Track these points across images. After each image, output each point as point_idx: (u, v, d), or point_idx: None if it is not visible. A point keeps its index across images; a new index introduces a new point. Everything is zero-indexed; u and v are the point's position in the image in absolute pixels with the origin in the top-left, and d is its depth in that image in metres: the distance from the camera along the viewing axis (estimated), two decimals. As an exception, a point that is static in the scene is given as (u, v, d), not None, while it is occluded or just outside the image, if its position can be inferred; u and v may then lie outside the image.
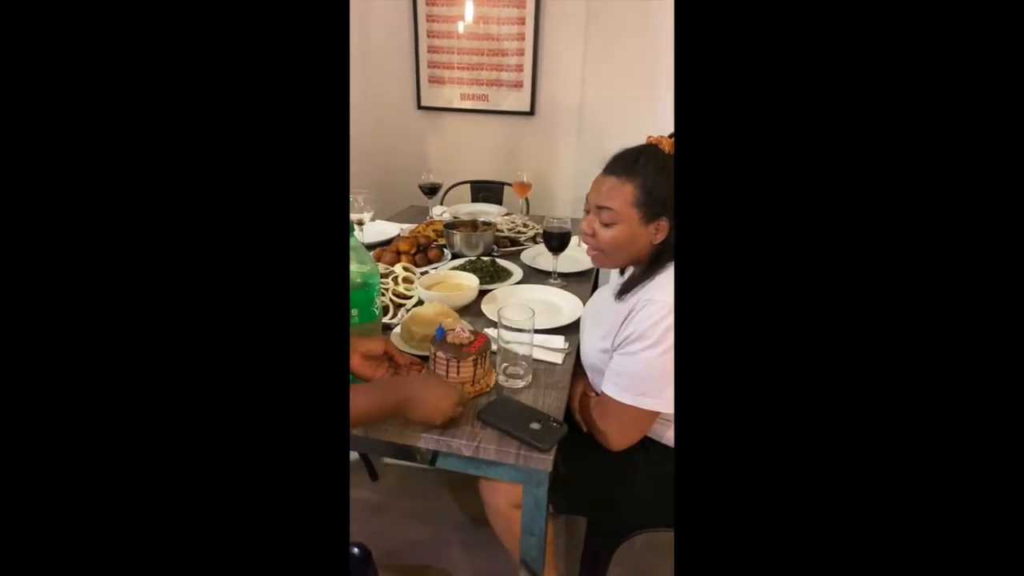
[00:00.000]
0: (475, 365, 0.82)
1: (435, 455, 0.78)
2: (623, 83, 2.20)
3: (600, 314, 0.96)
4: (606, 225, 0.87)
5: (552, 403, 0.83)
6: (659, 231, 0.85)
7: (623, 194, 0.84)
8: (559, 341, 1.00)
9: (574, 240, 1.58)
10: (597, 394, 0.93)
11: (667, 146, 0.86)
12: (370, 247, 1.43)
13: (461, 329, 0.84)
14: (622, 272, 0.98)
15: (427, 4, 2.26)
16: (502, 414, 0.77)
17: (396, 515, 1.43)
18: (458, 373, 0.81)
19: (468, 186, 2.20)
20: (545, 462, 0.72)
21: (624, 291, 0.89)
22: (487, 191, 2.14)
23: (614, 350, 0.86)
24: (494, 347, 0.89)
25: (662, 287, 0.82)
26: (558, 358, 0.95)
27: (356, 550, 0.82)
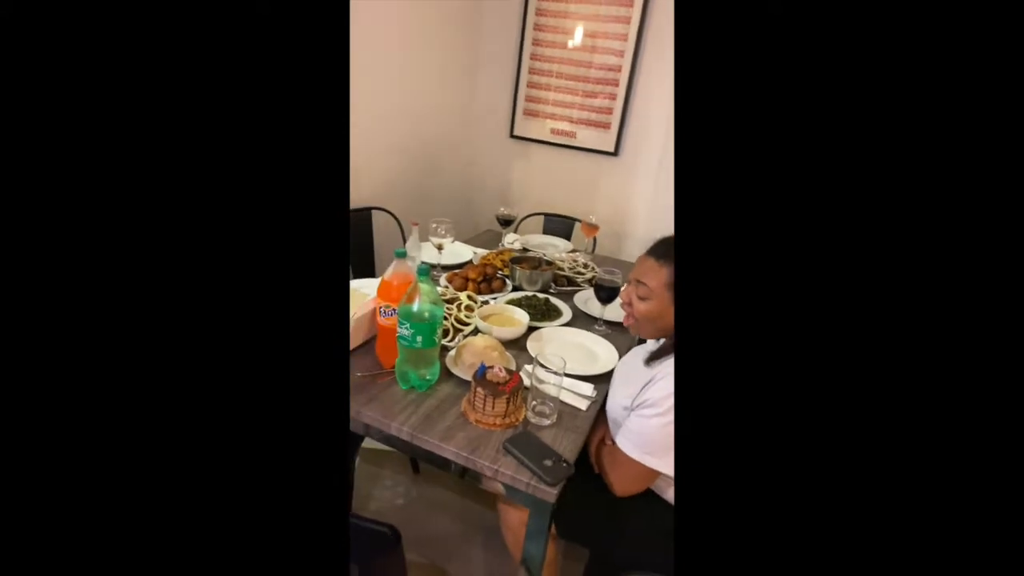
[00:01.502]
0: (508, 402, 0.97)
1: (464, 470, 0.94)
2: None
3: (629, 374, 1.07)
4: (641, 299, 1.00)
5: (568, 445, 0.96)
6: None
7: (659, 276, 0.97)
8: (588, 388, 1.12)
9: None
10: (613, 443, 1.05)
11: None
12: (447, 268, 1.63)
13: (499, 369, 0.99)
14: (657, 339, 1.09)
15: (533, 43, 2.44)
16: (522, 447, 0.92)
17: (428, 507, 1.62)
18: (492, 408, 0.97)
19: (542, 217, 2.35)
20: (550, 495, 0.86)
21: (653, 358, 1.00)
22: (559, 224, 2.28)
23: (632, 409, 0.98)
24: (527, 383, 1.04)
25: None
26: (583, 404, 1.08)
27: (387, 530, 1.00)
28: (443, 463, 0.95)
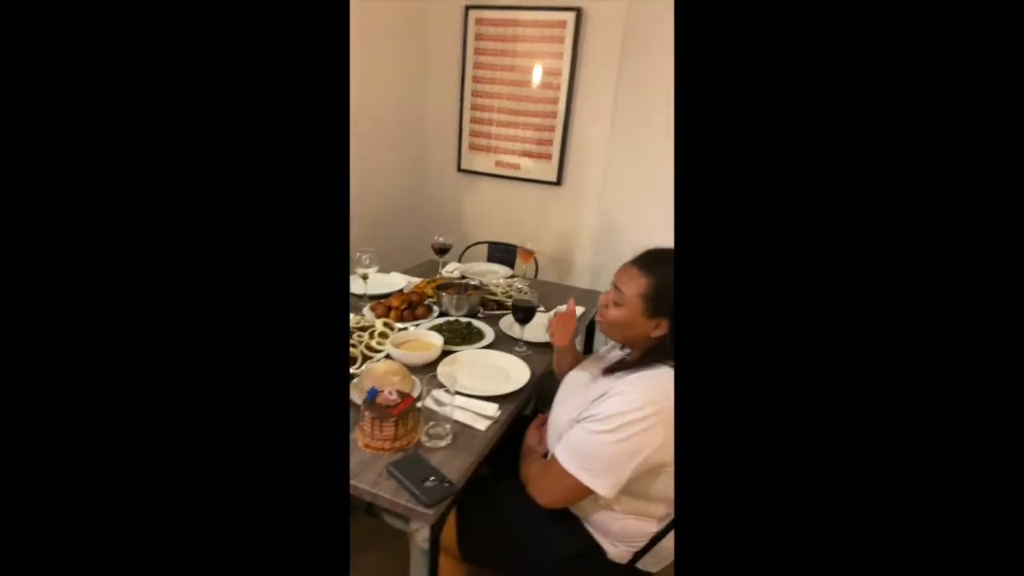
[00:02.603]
0: (396, 425, 0.96)
1: (369, 506, 0.90)
2: (643, 163, 2.31)
3: (584, 385, 1.05)
4: (616, 304, 0.99)
5: (460, 466, 0.94)
6: (659, 328, 0.95)
7: (637, 284, 0.96)
8: (492, 409, 1.11)
9: (561, 307, 1.69)
10: (545, 454, 1.02)
11: None
12: (373, 298, 1.63)
13: (390, 392, 0.98)
14: (622, 348, 1.09)
15: (473, 81, 2.53)
16: (405, 469, 0.90)
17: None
18: (381, 431, 0.95)
19: (486, 246, 2.37)
20: (427, 516, 0.83)
21: (612, 370, 0.99)
22: (503, 252, 2.30)
23: (577, 420, 0.94)
24: (419, 405, 1.02)
25: (642, 386, 0.89)
26: (483, 425, 1.06)
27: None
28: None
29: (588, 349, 1.95)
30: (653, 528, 0.95)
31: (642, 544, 0.96)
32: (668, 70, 2.14)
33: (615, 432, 0.86)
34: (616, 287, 0.99)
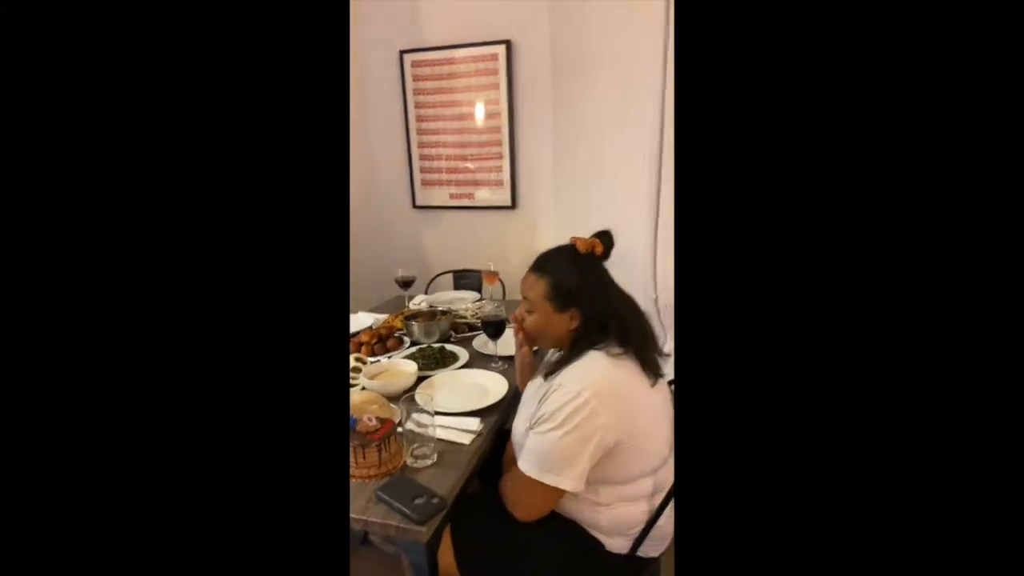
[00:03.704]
0: (379, 451, 0.95)
1: (365, 535, 0.89)
2: (591, 175, 2.41)
3: (531, 397, 1.07)
4: (529, 313, 1.04)
5: (447, 482, 0.94)
6: (573, 319, 0.99)
7: (538, 288, 1.01)
8: (474, 423, 1.11)
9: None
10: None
11: (581, 245, 1.02)
12: (342, 339, 1.62)
13: (369, 418, 0.97)
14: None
15: (417, 120, 2.61)
16: (394, 491, 0.89)
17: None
18: (364, 459, 0.94)
19: (451, 275, 2.40)
20: (419, 534, 0.83)
21: (549, 372, 1.01)
22: (468, 279, 2.34)
23: (530, 428, 0.96)
24: (402, 429, 1.02)
25: (575, 374, 0.93)
26: (466, 439, 1.06)
27: None
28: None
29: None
30: (644, 508, 0.96)
31: (638, 531, 0.97)
32: (599, 86, 2.27)
33: (562, 426, 0.88)
34: (524, 297, 1.04)
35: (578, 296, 0.98)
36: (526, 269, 1.05)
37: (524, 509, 0.95)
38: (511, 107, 2.43)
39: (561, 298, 0.99)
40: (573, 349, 1.00)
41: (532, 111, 2.42)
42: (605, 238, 1.04)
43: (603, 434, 0.88)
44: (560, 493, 0.92)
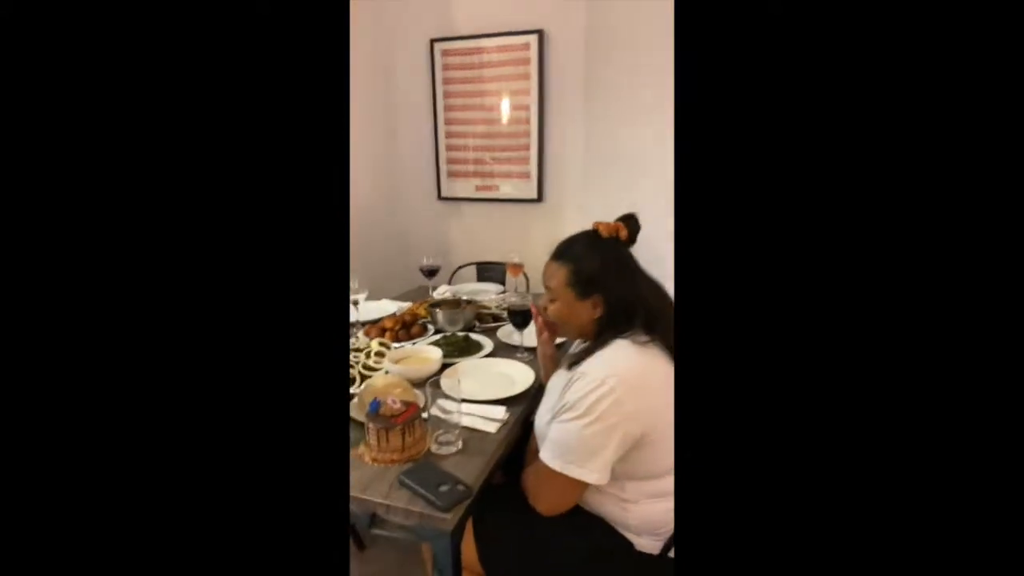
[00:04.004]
0: (403, 434, 0.92)
1: (373, 517, 0.86)
2: (622, 170, 2.36)
3: (553, 386, 1.03)
4: (551, 302, 1.00)
5: (473, 470, 0.90)
6: (596, 307, 0.95)
7: (559, 275, 0.98)
8: (500, 412, 1.07)
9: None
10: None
11: (604, 230, 0.97)
12: (364, 323, 1.60)
13: (393, 401, 0.94)
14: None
15: (445, 110, 2.58)
16: (418, 477, 0.86)
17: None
18: (388, 442, 0.91)
19: (474, 267, 2.37)
20: (445, 522, 0.79)
21: (573, 362, 0.96)
22: (491, 271, 2.30)
23: (553, 418, 0.92)
24: (426, 415, 0.98)
25: (599, 363, 0.89)
26: (493, 428, 1.03)
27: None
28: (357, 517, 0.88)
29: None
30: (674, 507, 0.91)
31: (669, 531, 0.92)
32: (633, 77, 2.21)
33: (585, 415, 0.84)
34: (546, 287, 1.01)
35: (601, 282, 0.94)
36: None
37: (546, 502, 0.91)
38: (541, 99, 2.39)
39: (583, 284, 0.95)
40: (598, 338, 0.95)
41: (563, 103, 2.38)
42: (630, 222, 0.99)
43: (628, 424, 0.84)
44: (583, 486, 0.87)
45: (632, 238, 0.99)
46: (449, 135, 2.61)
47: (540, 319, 1.11)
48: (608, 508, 0.94)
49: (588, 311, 0.96)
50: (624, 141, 2.32)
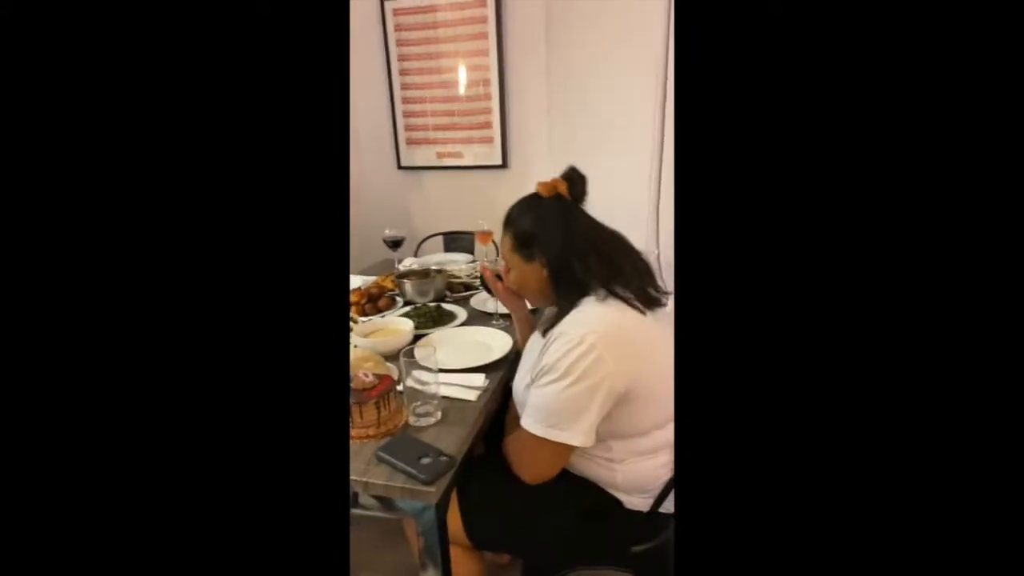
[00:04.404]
0: (378, 408, 0.86)
1: (355, 496, 0.81)
2: (590, 131, 2.30)
3: (529, 350, 1.00)
4: (508, 272, 0.99)
5: (453, 439, 0.86)
6: (542, 267, 0.92)
7: (505, 243, 0.97)
8: (479, 379, 1.03)
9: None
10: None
11: (543, 189, 0.93)
12: (329, 300, 1.51)
13: (364, 374, 0.88)
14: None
15: (400, 73, 2.45)
16: (396, 451, 0.81)
17: (355, 570, 1.43)
18: (361, 417, 0.86)
19: (441, 238, 2.29)
20: (429, 495, 0.75)
21: (548, 327, 0.92)
22: (458, 241, 2.23)
23: (532, 383, 0.88)
24: (402, 387, 0.93)
25: (574, 321, 0.85)
26: (472, 395, 0.98)
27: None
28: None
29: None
30: (662, 462, 0.90)
31: (658, 488, 0.90)
32: (597, 32, 2.14)
33: (565, 376, 0.80)
34: (499, 258, 1.02)
35: (538, 241, 0.91)
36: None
37: (531, 470, 0.88)
38: (501, 58, 2.29)
39: (524, 247, 0.93)
40: (562, 301, 0.92)
41: (524, 63, 2.29)
42: (572, 178, 0.95)
43: (611, 381, 0.80)
44: (569, 450, 0.84)
45: (577, 195, 0.95)
46: (406, 101, 2.48)
47: (498, 284, 1.08)
48: (595, 470, 0.91)
49: (537, 272, 0.93)
50: (593, 101, 2.26)
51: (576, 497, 0.91)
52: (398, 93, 2.47)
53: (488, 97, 2.36)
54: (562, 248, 0.89)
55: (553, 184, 0.94)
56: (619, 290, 0.88)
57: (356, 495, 0.80)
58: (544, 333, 0.92)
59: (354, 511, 1.47)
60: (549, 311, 1.04)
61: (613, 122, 2.24)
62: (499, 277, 1.07)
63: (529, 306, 1.11)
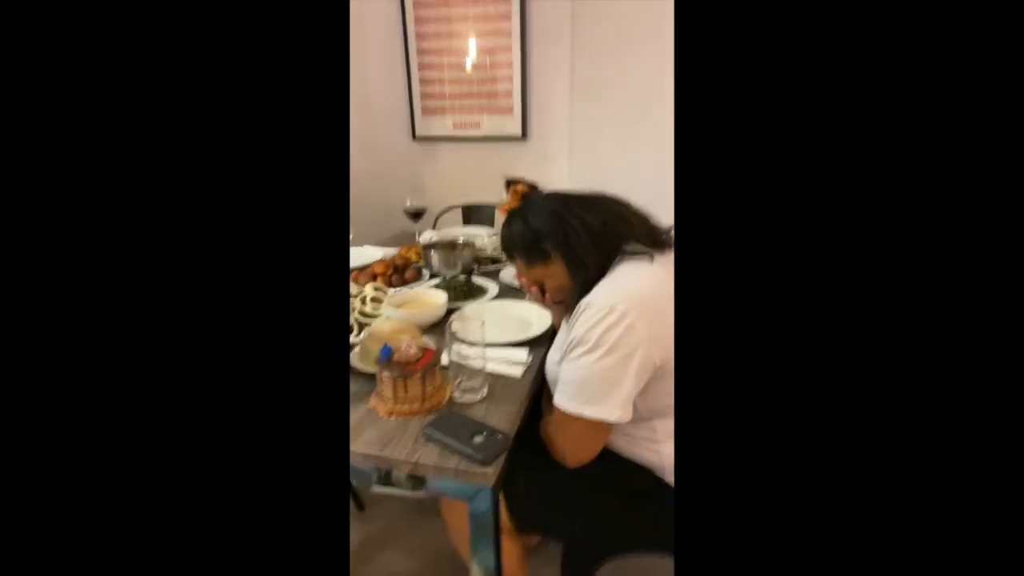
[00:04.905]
0: (423, 383, 0.80)
1: (388, 474, 0.75)
2: (612, 107, 2.21)
3: (562, 329, 0.93)
4: (540, 289, 0.93)
5: (503, 416, 0.80)
6: (558, 264, 0.87)
7: (520, 266, 0.93)
8: (522, 355, 0.97)
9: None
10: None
11: (512, 199, 0.95)
12: (351, 270, 1.44)
13: (408, 346, 0.82)
14: None
15: (417, 38, 2.34)
16: (446, 428, 0.75)
17: (377, 547, 1.39)
18: (406, 392, 0.80)
19: (459, 210, 2.21)
20: (486, 476, 0.69)
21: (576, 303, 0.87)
22: (478, 214, 2.15)
23: (563, 358, 0.82)
24: (446, 362, 0.87)
25: (601, 291, 0.80)
26: (518, 371, 0.92)
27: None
28: (364, 476, 0.76)
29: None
30: None
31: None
32: (627, 6, 2.04)
33: (596, 348, 0.74)
34: (522, 284, 0.96)
35: (540, 238, 0.87)
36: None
37: (569, 453, 0.82)
38: (523, 25, 2.19)
39: (535, 254, 0.89)
40: (589, 278, 0.86)
41: (548, 29, 2.18)
42: (520, 185, 0.97)
43: (645, 350, 0.74)
44: (606, 427, 0.78)
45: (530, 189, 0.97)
46: (423, 67, 2.37)
47: (533, 288, 1.01)
48: (640, 452, 0.86)
49: (560, 268, 0.87)
50: (615, 71, 2.16)
51: (621, 480, 0.86)
52: (414, 60, 2.37)
53: (509, 64, 2.26)
54: (559, 225, 0.85)
55: (516, 191, 0.94)
56: (633, 246, 0.84)
57: (389, 472, 0.74)
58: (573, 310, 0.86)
59: (384, 490, 1.43)
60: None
61: (637, 94, 2.15)
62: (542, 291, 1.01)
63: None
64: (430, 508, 1.50)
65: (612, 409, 0.75)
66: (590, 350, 0.75)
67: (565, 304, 0.92)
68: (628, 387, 0.75)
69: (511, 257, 0.95)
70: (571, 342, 0.78)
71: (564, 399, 0.78)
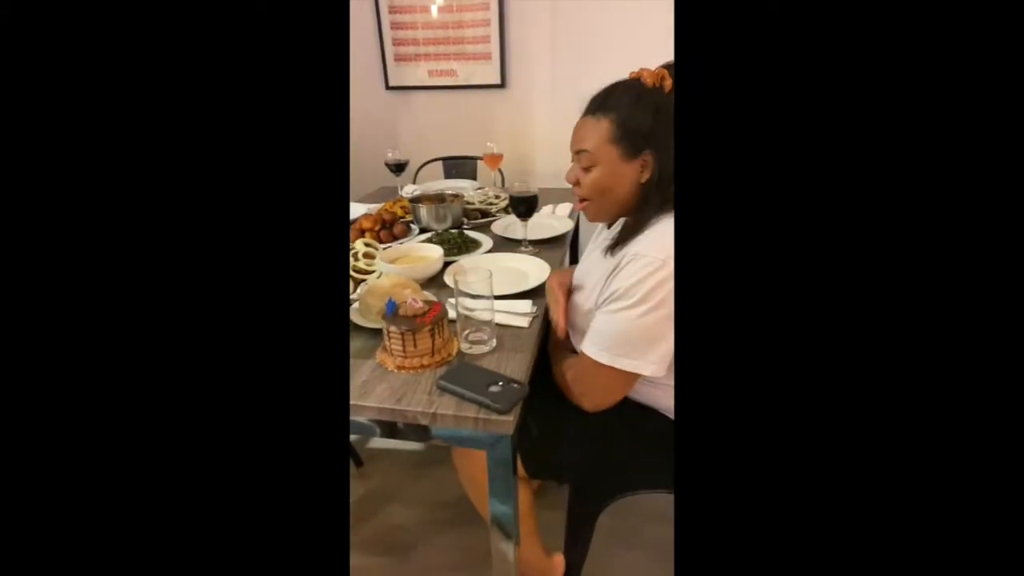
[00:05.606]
0: (432, 336, 0.78)
1: (393, 426, 0.74)
2: (597, 51, 2.13)
3: (588, 273, 0.90)
4: (586, 170, 0.81)
5: (516, 366, 0.80)
6: (644, 168, 0.79)
7: (598, 131, 0.79)
8: (526, 305, 0.96)
9: (547, 208, 1.53)
10: (574, 352, 0.88)
11: (649, 78, 0.79)
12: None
13: (413, 300, 0.80)
14: (609, 227, 0.93)
15: (386, -22, 2.19)
16: (460, 379, 0.74)
17: (378, 501, 1.41)
18: (415, 346, 0.78)
19: (440, 163, 2.14)
20: (506, 424, 0.69)
21: (615, 245, 0.83)
22: (460, 167, 2.09)
23: (596, 308, 0.81)
24: (452, 314, 0.85)
25: (652, 241, 0.76)
26: (524, 322, 0.92)
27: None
28: (364, 428, 0.75)
29: (574, 260, 1.81)
30: None
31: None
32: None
33: (641, 303, 0.73)
34: (579, 151, 0.82)
35: (652, 137, 0.77)
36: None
37: (591, 399, 0.83)
38: (500, -39, 2.07)
39: (631, 140, 0.77)
40: (644, 212, 0.80)
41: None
42: (673, 72, 0.80)
43: None
44: (635, 378, 0.79)
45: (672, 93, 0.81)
46: (393, 10, 2.23)
47: (561, 298, 0.91)
48: (659, 397, 0.88)
49: (634, 174, 0.79)
50: (598, 16, 2.08)
51: (637, 424, 0.88)
52: (384, 3, 2.22)
53: (486, 7, 2.15)
54: (675, 151, 0.78)
55: (659, 74, 0.79)
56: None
57: (394, 424, 0.74)
58: (611, 252, 0.83)
59: (393, 443, 1.43)
60: (605, 229, 0.95)
61: (622, 38, 2.08)
62: (565, 304, 0.89)
63: (594, 217, 0.90)
64: (429, 460, 1.52)
65: (647, 364, 0.75)
66: (633, 305, 0.74)
67: (591, 206, 0.85)
68: (667, 344, 0.75)
69: (599, 113, 0.79)
70: (612, 294, 0.76)
71: (597, 350, 0.78)
